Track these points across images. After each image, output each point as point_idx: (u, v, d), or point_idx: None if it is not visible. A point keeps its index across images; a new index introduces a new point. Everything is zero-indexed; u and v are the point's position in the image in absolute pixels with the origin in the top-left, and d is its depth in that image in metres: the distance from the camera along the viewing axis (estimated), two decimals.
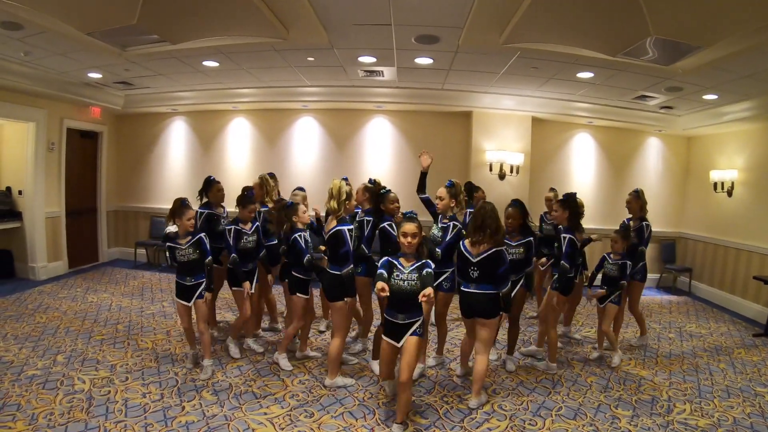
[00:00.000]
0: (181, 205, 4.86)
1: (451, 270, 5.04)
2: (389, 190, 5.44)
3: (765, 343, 6.68)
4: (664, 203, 9.88)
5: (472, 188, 7.01)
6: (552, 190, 7.24)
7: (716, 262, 9.03)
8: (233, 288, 5.41)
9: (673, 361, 5.88)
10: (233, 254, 5.22)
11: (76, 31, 5.27)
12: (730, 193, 8.62)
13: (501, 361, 5.69)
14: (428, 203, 5.35)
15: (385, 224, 5.28)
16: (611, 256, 5.68)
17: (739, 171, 8.48)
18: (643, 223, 5.97)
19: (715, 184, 8.87)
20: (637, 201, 6.06)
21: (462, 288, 4.63)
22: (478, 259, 4.47)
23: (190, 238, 4.92)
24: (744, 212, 8.40)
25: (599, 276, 5.83)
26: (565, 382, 5.19)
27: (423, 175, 5.45)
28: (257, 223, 5.58)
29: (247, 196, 5.45)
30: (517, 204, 5.30)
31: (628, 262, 5.55)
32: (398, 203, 5.41)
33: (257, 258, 5.60)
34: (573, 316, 6.73)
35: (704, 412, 4.60)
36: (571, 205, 5.30)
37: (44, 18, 5.10)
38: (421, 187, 5.40)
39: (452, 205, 5.09)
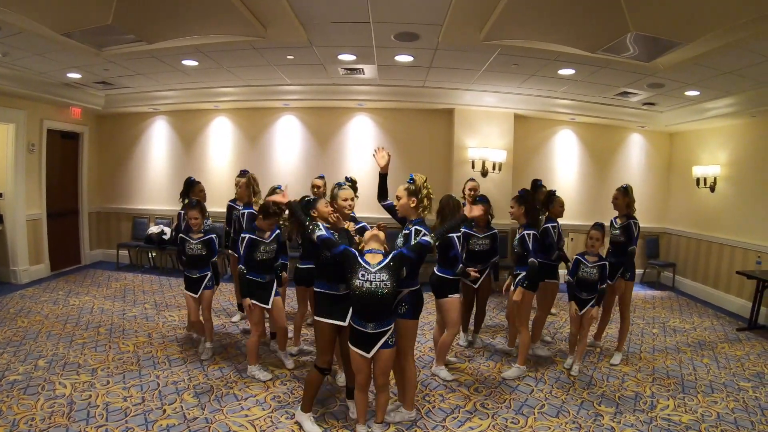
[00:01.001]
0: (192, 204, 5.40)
1: (409, 290, 4.04)
2: (317, 198, 4.28)
3: (749, 337, 6.73)
4: (647, 199, 9.90)
5: (537, 187, 6.51)
6: (472, 180, 6.84)
7: (700, 257, 9.10)
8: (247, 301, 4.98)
9: (657, 357, 5.89)
10: (241, 265, 4.84)
11: (52, 32, 5.19)
12: (712, 189, 8.69)
13: (468, 341, 6.18)
14: (391, 210, 4.58)
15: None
16: (587, 258, 5.26)
17: (722, 166, 8.55)
18: (631, 221, 5.65)
19: (698, 179, 8.92)
20: (624, 197, 5.76)
21: None
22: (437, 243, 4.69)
23: (201, 235, 5.35)
24: (727, 207, 8.47)
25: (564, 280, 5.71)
26: (548, 379, 5.19)
27: (382, 178, 4.71)
28: (277, 231, 5.13)
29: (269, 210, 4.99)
30: (484, 199, 5.60)
31: (607, 263, 5.28)
32: (332, 209, 4.22)
33: (276, 270, 5.24)
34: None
35: (688, 407, 4.60)
36: (528, 200, 5.25)
37: (19, 18, 5.02)
38: (382, 193, 4.75)
39: (412, 205, 4.19)
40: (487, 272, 5.79)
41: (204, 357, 5.44)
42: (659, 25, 4.45)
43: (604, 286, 5.25)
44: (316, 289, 4.07)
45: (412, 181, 4.24)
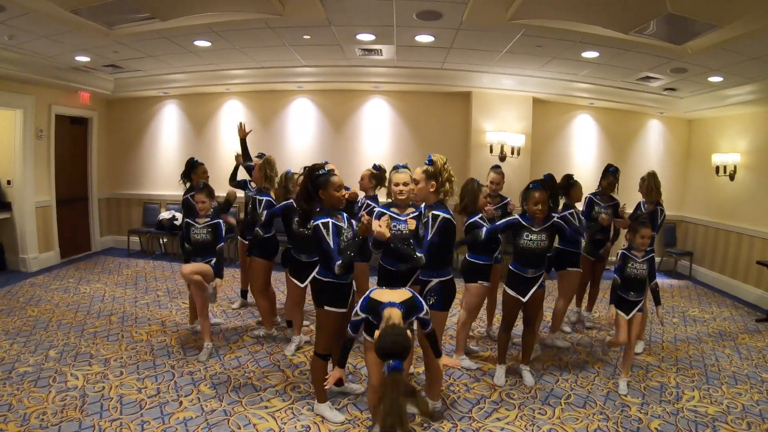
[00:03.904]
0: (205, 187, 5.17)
1: (438, 280, 3.86)
2: (329, 171, 3.79)
3: None
4: (664, 186, 9.38)
5: (611, 172, 6.02)
6: (494, 169, 5.94)
7: (718, 247, 8.95)
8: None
9: (679, 347, 5.81)
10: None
11: (60, 10, 5.04)
12: (732, 177, 8.52)
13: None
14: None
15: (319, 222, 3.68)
16: (633, 252, 4.58)
17: (742, 155, 8.37)
18: (657, 207, 5.70)
19: (717, 167, 8.75)
20: (641, 185, 5.82)
21: None
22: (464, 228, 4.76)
23: (208, 219, 5.11)
24: (746, 196, 8.30)
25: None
26: (573, 369, 5.10)
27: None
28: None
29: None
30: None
31: (654, 254, 4.71)
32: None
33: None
34: (583, 297, 6.47)
35: (713, 399, 4.53)
36: (552, 189, 4.86)
37: None
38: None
39: (431, 189, 3.80)
40: (540, 280, 4.57)
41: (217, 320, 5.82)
42: (697, 5, 4.29)
43: (654, 281, 4.61)
44: (322, 279, 3.78)
45: (430, 162, 3.82)
